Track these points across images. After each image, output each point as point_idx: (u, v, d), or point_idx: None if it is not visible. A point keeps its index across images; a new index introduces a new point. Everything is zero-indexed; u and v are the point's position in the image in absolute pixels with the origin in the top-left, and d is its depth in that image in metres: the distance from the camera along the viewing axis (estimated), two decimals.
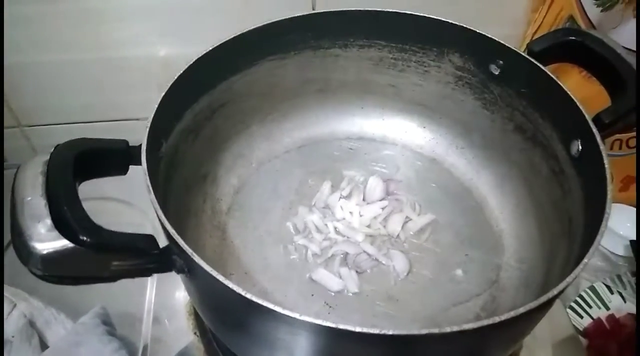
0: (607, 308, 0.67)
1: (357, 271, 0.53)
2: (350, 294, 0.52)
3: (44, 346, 0.47)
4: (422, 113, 0.64)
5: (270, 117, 0.63)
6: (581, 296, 0.68)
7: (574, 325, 0.63)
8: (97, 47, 0.68)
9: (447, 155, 0.64)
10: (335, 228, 0.56)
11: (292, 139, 0.65)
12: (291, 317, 0.32)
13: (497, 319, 0.32)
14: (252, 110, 0.61)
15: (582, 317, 0.66)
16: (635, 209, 0.72)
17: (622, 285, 0.69)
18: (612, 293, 0.68)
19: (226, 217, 0.57)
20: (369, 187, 0.60)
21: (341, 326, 0.31)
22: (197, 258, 0.34)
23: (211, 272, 0.34)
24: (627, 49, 0.61)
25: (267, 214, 0.58)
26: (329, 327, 0.32)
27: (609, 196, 0.39)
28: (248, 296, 0.33)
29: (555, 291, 0.34)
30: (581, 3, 0.62)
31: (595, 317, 0.66)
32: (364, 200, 0.59)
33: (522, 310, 0.32)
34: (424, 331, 0.31)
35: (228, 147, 0.60)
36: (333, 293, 0.52)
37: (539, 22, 0.67)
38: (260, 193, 0.60)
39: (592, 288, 0.68)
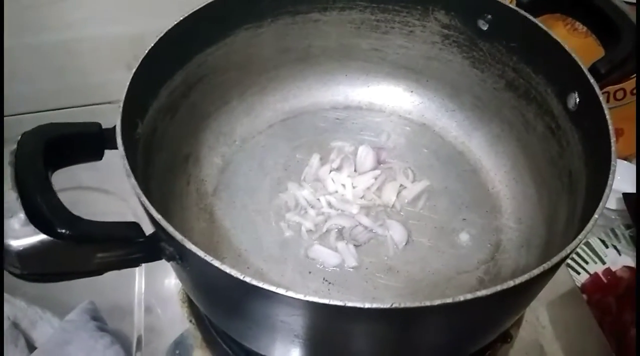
0: (603, 263, 0.67)
1: (354, 245, 0.51)
2: (349, 269, 0.50)
3: (31, 347, 0.45)
4: (408, 76, 0.62)
5: (250, 91, 0.60)
6: (577, 253, 0.68)
7: None
8: (52, 28, 0.63)
9: (437, 119, 0.62)
10: (328, 202, 0.54)
11: (274, 113, 0.62)
12: (294, 298, 0.30)
13: (511, 283, 0.30)
14: (230, 84, 0.58)
15: (579, 273, 0.66)
16: (626, 162, 0.72)
17: (616, 238, 0.69)
18: (606, 247, 0.68)
19: (212, 198, 0.55)
20: (360, 156, 0.57)
21: (349, 304, 0.29)
22: (188, 244, 0.32)
23: (205, 257, 0.31)
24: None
25: (255, 192, 0.55)
26: (331, 305, 0.30)
27: (614, 148, 0.38)
28: (247, 279, 0.31)
29: (568, 249, 0.32)
30: None
31: (592, 272, 0.66)
32: (355, 170, 0.57)
33: (536, 271, 0.31)
34: (436, 302, 0.30)
35: (208, 124, 0.57)
36: (331, 269, 0.50)
37: None
38: (246, 172, 0.57)
39: (587, 244, 0.68)
